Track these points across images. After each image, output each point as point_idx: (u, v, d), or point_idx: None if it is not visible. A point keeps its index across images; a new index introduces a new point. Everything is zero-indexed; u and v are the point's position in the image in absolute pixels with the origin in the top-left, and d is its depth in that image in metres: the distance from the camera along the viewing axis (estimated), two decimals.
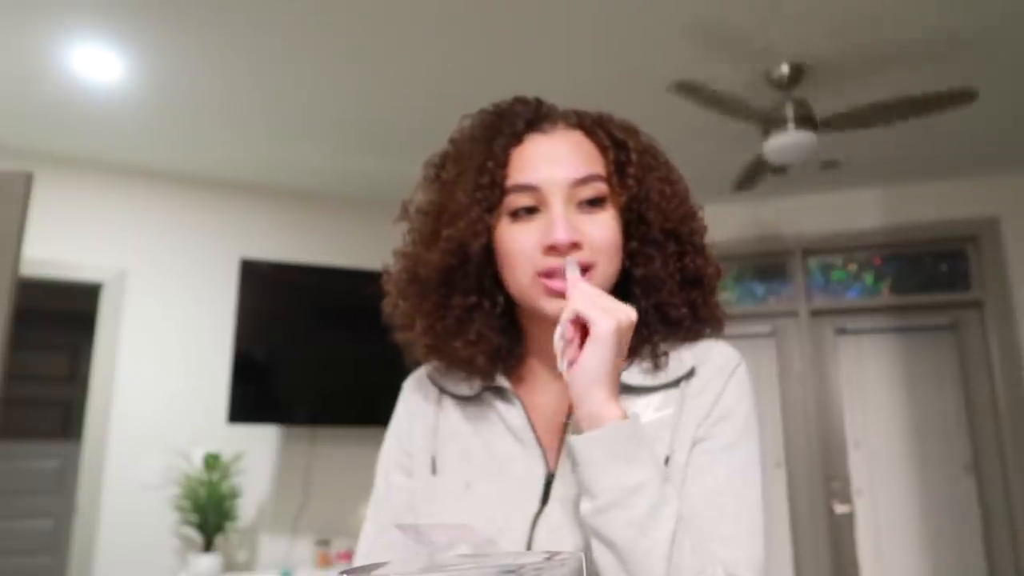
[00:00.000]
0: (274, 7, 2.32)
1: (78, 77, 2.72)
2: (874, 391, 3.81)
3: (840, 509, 3.68)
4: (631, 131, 0.81)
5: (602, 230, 0.74)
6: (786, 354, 3.92)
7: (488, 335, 0.77)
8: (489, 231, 0.75)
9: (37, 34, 2.46)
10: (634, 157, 0.77)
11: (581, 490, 0.66)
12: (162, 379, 3.49)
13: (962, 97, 2.46)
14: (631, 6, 2.31)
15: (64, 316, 4.75)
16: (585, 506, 0.65)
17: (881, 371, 3.82)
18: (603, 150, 0.78)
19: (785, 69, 2.63)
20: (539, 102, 0.82)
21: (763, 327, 3.95)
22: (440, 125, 0.89)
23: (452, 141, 0.82)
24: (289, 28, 2.43)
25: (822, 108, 2.68)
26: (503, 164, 0.76)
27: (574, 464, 0.65)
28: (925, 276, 3.85)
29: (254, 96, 2.90)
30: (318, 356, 3.57)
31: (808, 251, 3.95)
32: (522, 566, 0.44)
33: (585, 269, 0.73)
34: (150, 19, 2.38)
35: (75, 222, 3.46)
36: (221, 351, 3.52)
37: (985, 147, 3.38)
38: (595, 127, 0.80)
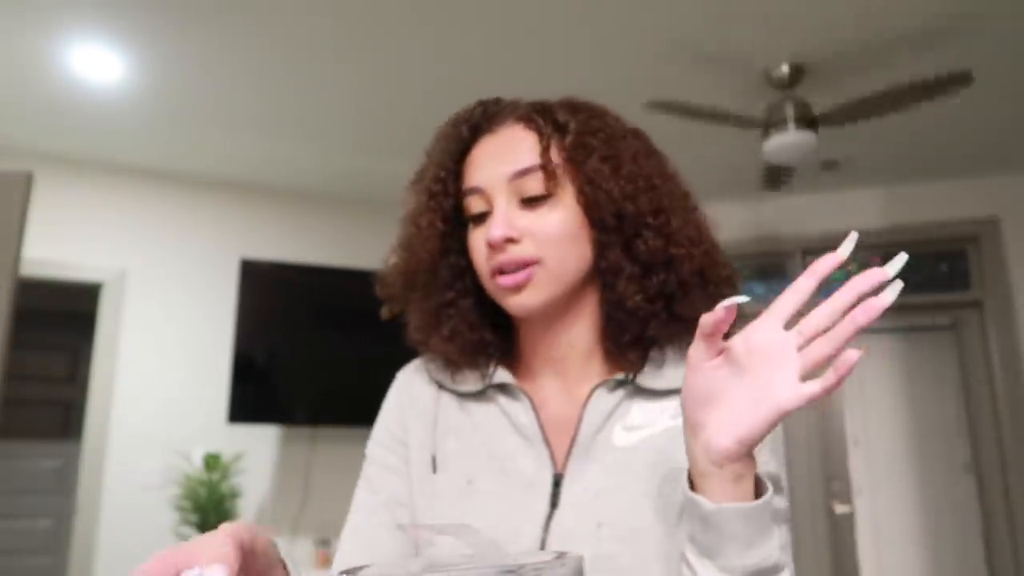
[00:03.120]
0: (274, 8, 2.32)
1: (78, 77, 2.72)
2: (874, 391, 3.81)
3: (840, 509, 3.67)
4: (578, 110, 0.77)
5: (546, 222, 0.72)
6: None
7: (463, 331, 0.77)
8: (442, 236, 0.77)
9: (37, 34, 2.46)
10: (570, 139, 0.74)
11: (709, 555, 0.58)
12: (162, 379, 3.49)
13: (959, 80, 2.41)
14: (631, 8, 2.31)
15: (64, 316, 4.75)
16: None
17: (881, 371, 3.82)
18: (542, 137, 0.74)
19: (785, 69, 2.63)
20: (496, 101, 0.79)
21: None
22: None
23: (426, 153, 0.82)
24: (289, 29, 2.43)
25: (823, 106, 2.68)
26: (454, 172, 0.77)
27: (708, 530, 0.57)
28: (925, 276, 3.84)
29: (254, 96, 2.89)
30: (318, 356, 3.57)
31: (808, 251, 3.95)
32: (522, 566, 0.43)
33: (530, 264, 0.71)
34: (150, 19, 2.38)
35: (75, 222, 3.46)
36: (221, 351, 3.52)
37: (985, 147, 3.38)
38: (535, 115, 0.76)
